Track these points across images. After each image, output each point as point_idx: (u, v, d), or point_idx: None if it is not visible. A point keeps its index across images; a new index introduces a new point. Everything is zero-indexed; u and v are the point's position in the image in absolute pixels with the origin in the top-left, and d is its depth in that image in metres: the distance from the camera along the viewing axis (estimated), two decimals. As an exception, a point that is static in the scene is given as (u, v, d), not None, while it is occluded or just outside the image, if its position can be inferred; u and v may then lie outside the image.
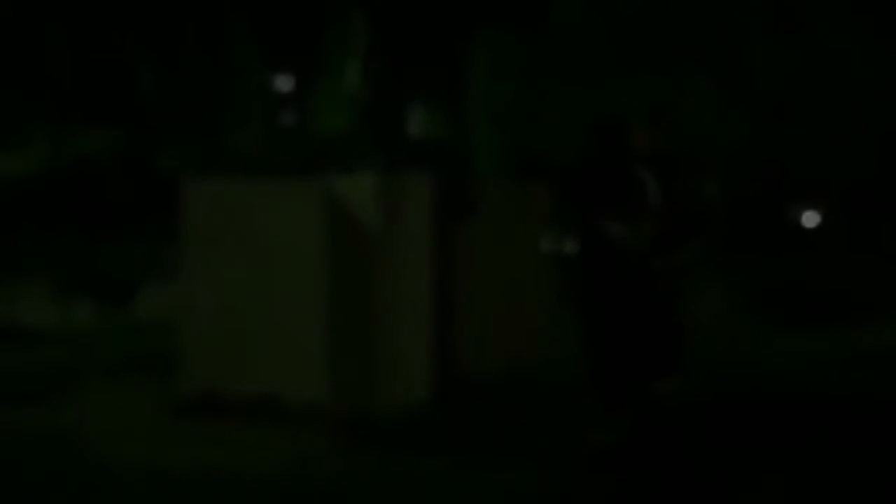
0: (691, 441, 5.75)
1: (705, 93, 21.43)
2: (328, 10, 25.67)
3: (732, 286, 13.87)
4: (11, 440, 6.02)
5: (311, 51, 29.80)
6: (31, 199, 17.02)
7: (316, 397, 6.46)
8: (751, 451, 5.63)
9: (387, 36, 23.67)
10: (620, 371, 5.33)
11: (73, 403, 7.03)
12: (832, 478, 5.12)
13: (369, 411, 6.18)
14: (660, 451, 5.36)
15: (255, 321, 6.71)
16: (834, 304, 12.07)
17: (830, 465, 5.32)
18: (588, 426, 5.44)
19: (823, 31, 21.34)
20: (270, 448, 5.79)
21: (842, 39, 21.18)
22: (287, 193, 6.74)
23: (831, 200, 28.52)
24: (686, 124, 21.26)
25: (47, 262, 13.35)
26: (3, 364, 8.32)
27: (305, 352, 6.59)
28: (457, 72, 29.35)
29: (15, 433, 6.15)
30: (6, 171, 17.85)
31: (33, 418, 6.54)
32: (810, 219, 33.74)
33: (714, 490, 5.12)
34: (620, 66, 21.97)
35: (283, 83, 38.90)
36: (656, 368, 5.38)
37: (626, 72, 21.73)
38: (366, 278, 6.46)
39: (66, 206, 17.06)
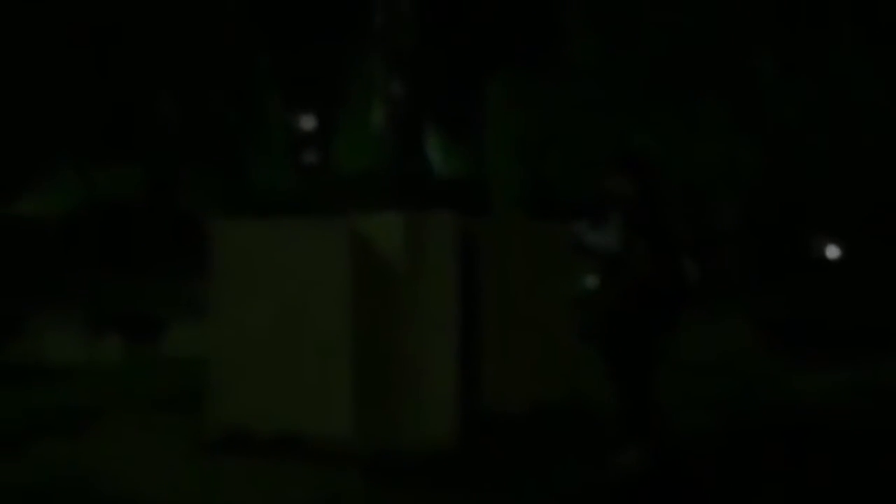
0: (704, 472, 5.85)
1: (721, 126, 21.37)
2: (349, 49, 25.84)
3: (756, 319, 13.70)
4: (38, 477, 5.97)
5: (334, 89, 29.95)
6: (60, 238, 17.11)
7: (341, 436, 6.36)
8: (768, 485, 5.52)
9: (407, 73, 23.66)
10: (650, 401, 5.69)
11: (99, 440, 6.95)
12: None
13: (395, 450, 6.07)
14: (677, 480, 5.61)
15: (282, 359, 6.64)
16: (857, 337, 11.87)
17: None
18: (616, 452, 5.68)
19: (837, 62, 21.26)
20: (297, 486, 5.70)
21: (855, 69, 21.09)
22: (312, 232, 6.67)
23: (852, 231, 28.31)
24: (702, 157, 21.24)
25: (76, 299, 13.37)
26: (30, 401, 8.28)
27: (331, 390, 6.49)
28: (475, 108, 29.46)
29: (41, 470, 6.10)
30: (37, 210, 17.98)
31: (60, 455, 6.47)
32: (831, 250, 33.49)
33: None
34: (636, 101, 21.96)
35: (308, 121, 39.23)
36: None
37: (641, 107, 21.73)
38: (391, 317, 6.37)
39: (95, 245, 17.13)
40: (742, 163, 21.48)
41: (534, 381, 7.00)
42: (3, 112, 20.56)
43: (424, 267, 6.21)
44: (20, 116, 20.57)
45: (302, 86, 33.71)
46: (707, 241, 24.61)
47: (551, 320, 7.28)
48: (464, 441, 6.21)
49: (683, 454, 6.03)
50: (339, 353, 6.49)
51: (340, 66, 28.51)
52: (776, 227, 27.93)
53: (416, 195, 6.57)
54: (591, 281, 6.60)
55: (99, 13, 21.59)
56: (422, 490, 5.53)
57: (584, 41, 23.16)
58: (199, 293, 7.30)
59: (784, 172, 21.91)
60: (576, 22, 23.12)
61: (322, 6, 30.46)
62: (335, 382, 6.50)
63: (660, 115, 21.33)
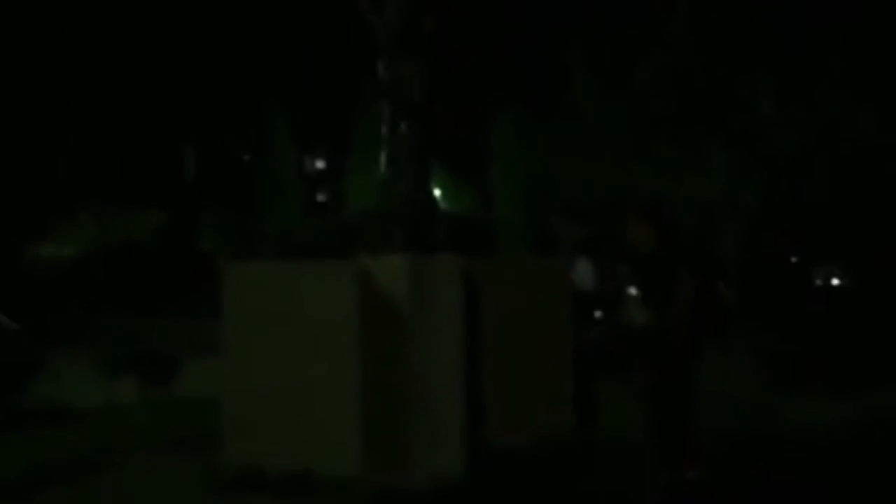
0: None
1: (721, 161, 21.44)
2: (358, 92, 26.09)
3: (757, 351, 13.61)
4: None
5: (345, 131, 30.19)
6: (79, 279, 17.22)
7: (351, 473, 6.37)
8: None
9: (412, 121, 23.93)
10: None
11: (115, 482, 6.96)
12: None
13: (403, 487, 6.07)
14: None
15: (292, 398, 6.67)
16: (858, 367, 11.81)
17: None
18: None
19: (832, 97, 21.37)
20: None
21: (848, 103, 21.19)
22: (320, 274, 6.74)
23: (853, 259, 28.26)
24: (704, 194, 21.29)
25: (93, 340, 13.40)
26: (47, 443, 8.30)
27: (340, 429, 6.51)
28: (483, 149, 29.64)
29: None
30: (56, 254, 18.12)
31: (77, 497, 6.49)
32: (833, 278, 33.40)
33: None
34: (637, 140, 22.07)
35: (319, 162, 39.51)
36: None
37: (643, 145, 21.83)
38: (398, 357, 6.39)
39: (113, 286, 17.22)
40: (743, 198, 21.53)
41: (537, 415, 6.99)
42: (25, 159, 20.83)
43: (430, 307, 6.25)
44: (40, 164, 20.83)
45: (314, 127, 34.04)
46: (712, 275, 24.59)
47: (553, 354, 7.30)
48: (471, 476, 6.21)
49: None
50: (346, 393, 6.52)
51: (350, 108, 28.76)
52: (777, 257, 27.93)
53: (422, 238, 6.61)
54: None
55: (115, 63, 21.90)
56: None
57: (585, 82, 23.33)
58: (214, 333, 7.36)
59: (783, 205, 21.95)
60: (577, 63, 23.30)
61: (332, 52, 30.81)
62: (343, 421, 6.52)
63: (662, 154, 21.42)
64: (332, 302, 6.62)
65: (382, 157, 7.24)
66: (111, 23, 22.15)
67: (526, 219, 25.92)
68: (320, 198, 36.92)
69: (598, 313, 8.01)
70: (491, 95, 28.13)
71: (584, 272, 7.95)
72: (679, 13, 22.20)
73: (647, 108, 21.91)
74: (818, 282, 33.95)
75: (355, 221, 20.55)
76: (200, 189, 22.72)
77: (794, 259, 31.00)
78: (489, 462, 6.44)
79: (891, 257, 24.47)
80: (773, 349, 13.64)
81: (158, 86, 22.60)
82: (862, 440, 7.86)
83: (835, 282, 33.82)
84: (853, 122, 21.18)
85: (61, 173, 20.93)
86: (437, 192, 29.95)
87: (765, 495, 6.03)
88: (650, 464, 5.89)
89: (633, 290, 6.53)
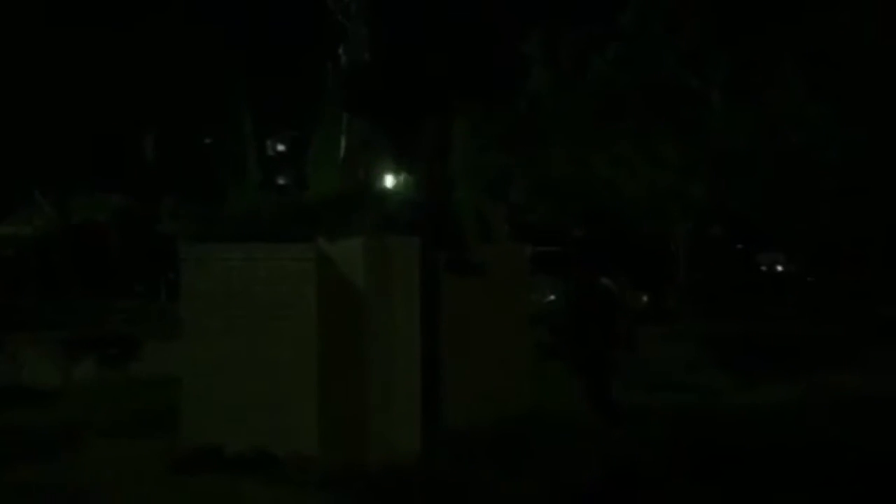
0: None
1: (669, 153, 21.58)
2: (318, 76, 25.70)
3: (703, 337, 13.79)
4: (12, 497, 5.89)
5: (305, 114, 29.85)
6: (38, 262, 16.88)
7: (308, 452, 6.35)
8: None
9: (369, 109, 23.86)
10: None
11: (73, 461, 6.86)
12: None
13: (360, 466, 6.05)
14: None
15: (251, 378, 6.61)
16: (800, 351, 12.03)
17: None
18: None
19: (776, 94, 21.60)
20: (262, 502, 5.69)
21: (793, 101, 21.44)
22: (279, 256, 6.68)
23: (797, 249, 28.73)
24: (657, 184, 21.47)
25: (53, 322, 13.17)
26: (6, 423, 8.14)
27: (297, 408, 6.48)
28: (439, 137, 29.57)
29: (16, 490, 6.02)
30: (15, 234, 17.74)
31: (34, 475, 6.38)
32: (777, 265, 33.98)
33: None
34: (592, 132, 22.14)
35: (280, 146, 39.02)
36: None
37: (597, 137, 21.90)
38: (356, 337, 6.37)
39: (72, 269, 16.90)
40: (692, 188, 21.71)
41: (495, 394, 7.03)
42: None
43: (388, 289, 6.22)
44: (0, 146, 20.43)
45: (276, 110, 33.61)
46: (664, 262, 24.85)
47: (511, 336, 7.33)
48: (427, 455, 6.21)
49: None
50: (304, 373, 6.48)
51: (312, 91, 28.44)
52: (724, 245, 28.32)
53: (380, 220, 6.58)
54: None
55: (74, 45, 21.46)
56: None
57: (542, 74, 23.34)
58: (173, 314, 7.26)
59: (730, 195, 22.19)
60: (534, 55, 23.29)
61: (295, 34, 30.43)
62: (301, 401, 6.49)
63: (615, 144, 21.52)
64: (290, 284, 6.57)
65: (342, 141, 7.20)
66: (69, 4, 21.71)
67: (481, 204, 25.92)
68: (281, 181, 36.50)
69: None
70: (450, 86, 28.03)
71: None
72: (631, 5, 22.25)
73: (602, 99, 21.98)
74: (763, 268, 34.56)
75: (315, 205, 20.34)
76: (161, 172, 22.37)
77: (739, 246, 31.49)
78: (445, 440, 6.46)
79: (833, 245, 24.93)
80: (716, 333, 13.83)
81: (119, 68, 22.18)
82: (794, 420, 8.02)
83: (779, 268, 34.43)
84: (799, 114, 21.44)
85: (21, 154, 20.50)
86: (393, 180, 29.91)
87: (699, 471, 6.11)
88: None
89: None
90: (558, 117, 22.48)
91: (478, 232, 7.77)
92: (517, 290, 7.39)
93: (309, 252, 6.61)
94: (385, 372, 6.21)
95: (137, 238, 19.12)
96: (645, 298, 24.74)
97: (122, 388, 10.08)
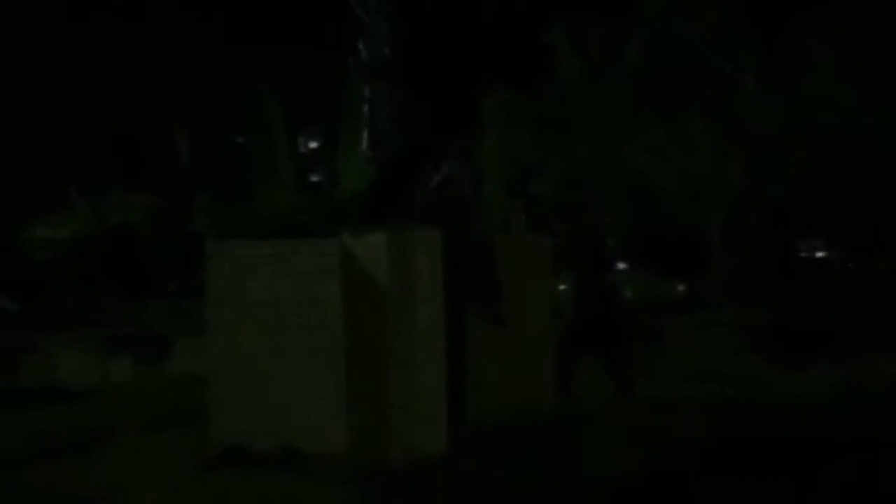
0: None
1: (704, 139, 21.34)
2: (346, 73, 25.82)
3: (742, 324, 13.63)
4: (45, 496, 5.94)
5: (337, 111, 29.96)
6: (74, 263, 17.13)
7: (335, 449, 6.34)
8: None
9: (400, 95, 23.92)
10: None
11: (104, 459, 6.90)
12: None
13: (386, 462, 6.03)
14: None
15: (277, 375, 6.62)
16: (842, 337, 11.79)
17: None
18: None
19: (813, 78, 21.25)
20: (290, 501, 5.68)
21: (832, 80, 21.08)
22: (304, 253, 6.67)
23: (836, 235, 28.30)
24: (690, 170, 21.21)
25: (88, 321, 13.35)
26: (40, 423, 8.25)
27: (324, 404, 6.48)
28: (470, 128, 29.47)
29: (44, 489, 6.07)
30: (53, 236, 18.01)
31: (66, 474, 6.43)
32: (817, 251, 33.50)
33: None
34: (623, 119, 21.96)
35: (313, 143, 39.18)
36: None
37: (629, 124, 21.72)
38: (380, 332, 6.34)
39: (107, 269, 17.10)
40: (728, 173, 21.46)
41: (520, 390, 6.96)
42: (22, 145, 20.72)
43: (412, 283, 6.18)
44: (37, 149, 20.73)
45: (308, 108, 33.76)
46: (700, 250, 24.59)
47: (534, 330, 7.25)
48: (452, 452, 6.16)
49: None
50: (330, 369, 6.48)
51: (340, 89, 28.54)
52: (762, 231, 27.92)
53: (398, 215, 6.53)
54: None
55: (110, 48, 21.74)
56: (409, 501, 5.49)
57: (571, 63, 23.17)
58: (204, 312, 7.28)
59: (767, 180, 21.89)
60: (562, 44, 23.13)
61: (322, 30, 30.49)
62: (327, 397, 6.49)
63: (646, 131, 21.32)
64: (314, 280, 6.58)
65: (364, 135, 7.16)
66: (105, 8, 22.00)
67: (514, 197, 25.83)
68: (314, 178, 36.71)
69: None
70: (479, 77, 27.97)
71: None
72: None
73: (631, 86, 21.78)
74: (803, 254, 34.09)
75: (345, 200, 20.56)
76: (194, 172, 22.59)
77: (779, 233, 31.06)
78: (472, 437, 6.41)
79: (873, 230, 24.49)
80: (752, 320, 13.65)
81: (152, 70, 22.43)
82: (834, 409, 7.84)
83: (819, 254, 33.96)
84: (835, 97, 21.08)
85: (57, 157, 20.82)
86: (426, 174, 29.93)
87: (735, 464, 6.00)
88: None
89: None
90: (587, 106, 22.32)
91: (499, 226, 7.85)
92: (539, 282, 7.31)
93: (333, 248, 6.60)
94: (408, 368, 6.16)
95: (170, 237, 19.31)
96: (681, 287, 24.55)
97: (156, 387, 10.19)
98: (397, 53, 7.00)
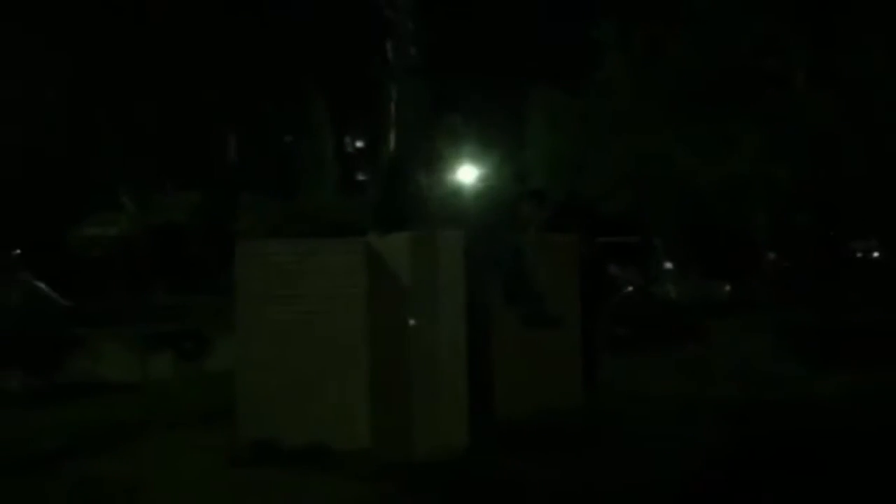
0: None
1: (752, 137, 21.01)
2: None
3: (784, 326, 13.39)
4: (68, 489, 6.08)
5: (381, 110, 30.10)
6: (122, 262, 17.51)
7: (361, 445, 6.42)
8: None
9: (446, 95, 24.06)
10: None
11: (136, 455, 7.03)
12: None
13: (411, 459, 6.07)
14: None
15: (303, 373, 6.71)
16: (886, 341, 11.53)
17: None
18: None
19: (865, 74, 20.80)
20: (315, 497, 5.74)
21: (882, 76, 20.62)
22: (330, 252, 6.75)
23: (888, 235, 27.70)
24: (736, 169, 20.92)
25: (133, 318, 13.60)
26: (77, 417, 8.44)
27: (351, 401, 6.56)
28: (515, 127, 29.44)
29: (74, 483, 6.20)
30: (102, 234, 18.43)
31: (96, 469, 6.57)
32: (873, 252, 32.83)
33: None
34: (667, 117, 21.74)
35: (359, 142, 39.41)
36: None
37: (673, 122, 21.50)
38: (405, 330, 6.38)
39: (154, 265, 17.45)
40: (775, 173, 21.11)
41: (546, 387, 6.96)
42: (72, 144, 21.25)
43: (432, 282, 6.21)
44: (86, 149, 21.23)
45: (355, 107, 33.96)
46: (748, 251, 24.25)
47: (563, 328, 7.25)
48: (476, 448, 6.19)
49: None
50: (357, 367, 6.56)
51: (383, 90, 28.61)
52: (814, 232, 27.41)
53: (420, 213, 6.58)
54: None
55: (156, 46, 22.15)
56: (432, 498, 5.52)
57: (616, 59, 23.00)
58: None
59: (819, 179, 21.49)
60: (607, 40, 22.96)
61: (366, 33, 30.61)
62: (354, 395, 6.57)
63: (692, 130, 21.08)
64: (340, 279, 6.65)
65: (391, 137, 7.21)
66: (150, 5, 22.41)
67: (559, 196, 25.70)
68: (361, 177, 36.93)
69: None
70: (523, 73, 27.93)
71: None
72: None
73: (678, 84, 21.55)
74: (859, 254, 33.42)
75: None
76: (239, 170, 22.94)
77: (830, 233, 30.46)
78: (496, 434, 6.42)
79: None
80: (798, 322, 13.41)
81: (198, 68, 22.80)
82: (849, 410, 7.71)
83: (875, 255, 33.30)
84: (887, 94, 20.64)
85: (106, 157, 21.30)
86: (473, 172, 29.93)
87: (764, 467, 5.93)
88: None
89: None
90: (633, 104, 22.16)
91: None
92: (566, 280, 7.29)
93: (358, 247, 6.67)
94: (431, 365, 6.20)
95: (214, 236, 19.54)
96: (728, 288, 24.21)
97: (195, 383, 10.34)
98: (424, 53, 7.04)
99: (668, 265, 29.23)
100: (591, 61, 23.74)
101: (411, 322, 6.02)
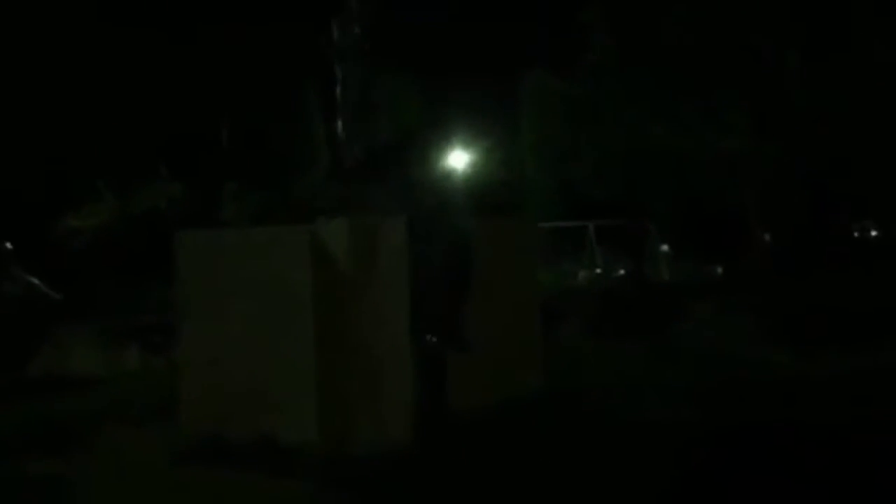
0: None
1: (742, 118, 20.72)
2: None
3: (766, 309, 13.14)
4: (14, 485, 5.91)
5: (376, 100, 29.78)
6: (102, 253, 17.33)
7: (308, 438, 6.21)
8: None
9: (437, 80, 23.77)
10: None
11: (84, 450, 6.85)
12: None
13: (351, 453, 5.87)
14: None
15: (249, 366, 6.50)
16: (860, 322, 11.30)
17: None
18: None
19: (858, 50, 20.47)
20: (253, 495, 5.55)
21: (877, 53, 20.29)
22: (273, 240, 6.52)
23: (887, 214, 27.42)
24: (725, 149, 20.65)
25: (103, 310, 13.43)
26: (32, 412, 8.26)
27: (295, 394, 6.34)
28: (508, 114, 29.18)
29: (17, 480, 6.04)
30: (81, 226, 18.26)
31: (39, 466, 6.40)
32: (868, 230, 32.58)
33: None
34: (656, 98, 21.43)
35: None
36: None
37: (662, 103, 21.20)
38: (350, 320, 6.17)
39: (135, 256, 17.18)
40: (765, 151, 20.82)
41: (503, 375, 6.75)
42: (48, 133, 21.06)
43: (374, 269, 5.99)
44: (64, 135, 21.06)
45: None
46: (739, 232, 24.01)
47: (520, 314, 7.03)
48: (423, 441, 5.98)
49: None
50: (301, 358, 6.33)
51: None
52: (810, 211, 27.12)
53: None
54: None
55: (138, 35, 21.92)
56: (372, 495, 5.32)
57: (602, 39, 22.68)
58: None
59: (810, 159, 21.19)
60: (593, 20, 22.62)
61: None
62: (301, 387, 6.35)
63: (680, 110, 20.78)
64: (286, 267, 6.42)
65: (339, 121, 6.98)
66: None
67: (549, 180, 25.51)
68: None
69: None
70: (515, 60, 27.63)
71: None
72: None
73: (666, 63, 21.23)
74: (856, 234, 33.19)
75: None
76: (226, 158, 22.70)
77: (824, 213, 30.16)
78: (445, 425, 6.21)
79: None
80: (784, 304, 13.20)
81: (181, 58, 22.56)
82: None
83: (873, 233, 33.10)
84: (880, 71, 20.31)
85: (83, 147, 21.10)
86: (465, 158, 29.63)
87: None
88: None
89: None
90: (622, 84, 21.86)
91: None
92: (526, 266, 7.07)
93: (303, 234, 6.44)
94: (374, 357, 5.99)
95: (197, 225, 19.32)
96: (719, 270, 24.00)
97: (161, 376, 10.14)
98: (370, 32, 6.80)
99: (665, 248, 29.06)
100: (580, 44, 23.40)
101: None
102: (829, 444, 5.86)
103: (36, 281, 18.38)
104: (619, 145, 22.23)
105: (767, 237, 25.61)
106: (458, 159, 29.10)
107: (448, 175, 27.15)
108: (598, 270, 25.07)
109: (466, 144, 29.21)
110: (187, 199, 19.51)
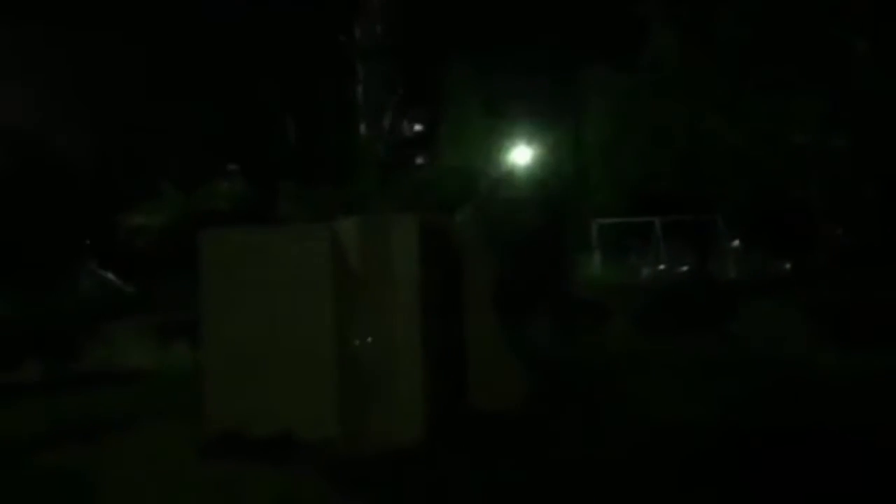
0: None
1: (810, 113, 20.04)
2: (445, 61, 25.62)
3: (812, 305, 12.76)
4: (41, 477, 6.07)
5: (437, 97, 29.90)
6: (160, 248, 17.71)
7: (328, 434, 6.25)
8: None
9: (498, 81, 23.70)
10: None
11: (113, 444, 7.02)
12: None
13: (363, 452, 5.88)
14: None
15: (271, 362, 6.57)
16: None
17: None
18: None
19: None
20: (267, 489, 5.61)
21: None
22: (295, 239, 6.58)
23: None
24: (791, 145, 20.06)
25: (161, 306, 13.71)
26: (74, 405, 8.49)
27: (315, 390, 6.39)
28: (568, 110, 28.80)
29: (35, 473, 6.20)
30: (147, 222, 18.70)
31: (72, 459, 6.57)
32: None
33: None
34: (719, 93, 20.89)
35: (418, 126, 39.27)
36: None
37: (725, 98, 20.67)
38: (366, 319, 6.18)
39: (190, 254, 17.57)
40: (834, 145, 20.15)
41: (507, 379, 6.68)
42: (122, 132, 21.66)
43: (386, 268, 5.98)
44: (134, 135, 21.63)
45: (409, 92, 33.79)
46: (809, 228, 23.33)
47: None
48: (430, 441, 5.96)
49: None
50: (323, 356, 6.38)
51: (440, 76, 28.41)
52: (880, 205, 26.18)
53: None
54: None
55: (203, 32, 22.37)
56: (382, 493, 5.34)
57: (663, 32, 22.19)
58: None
59: (880, 152, 20.43)
60: (654, 13, 22.13)
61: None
62: (320, 383, 6.40)
63: (745, 105, 20.23)
64: (306, 266, 6.48)
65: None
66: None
67: (614, 178, 25.10)
68: (420, 161, 36.77)
69: None
70: (573, 54, 27.22)
71: None
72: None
73: (728, 58, 20.67)
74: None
75: (428, 182, 20.48)
76: (287, 157, 22.98)
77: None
78: (454, 425, 6.19)
79: None
80: (826, 303, 12.81)
81: (243, 63, 22.95)
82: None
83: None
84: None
85: (150, 146, 21.64)
86: (524, 156, 29.45)
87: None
88: None
89: None
90: (684, 79, 21.39)
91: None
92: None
93: (322, 233, 6.48)
94: (385, 355, 5.98)
95: (255, 223, 19.61)
96: (787, 266, 23.39)
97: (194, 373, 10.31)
98: (392, 31, 6.78)
99: (736, 243, 28.41)
100: (637, 39, 22.93)
101: (356, 342, 5.77)
102: (855, 447, 5.68)
103: (111, 276, 18.92)
104: (682, 140, 21.78)
105: (839, 232, 24.83)
106: (522, 155, 28.94)
107: (512, 170, 27.06)
108: (662, 266, 24.68)
109: (529, 140, 29.01)
110: (247, 197, 19.83)
